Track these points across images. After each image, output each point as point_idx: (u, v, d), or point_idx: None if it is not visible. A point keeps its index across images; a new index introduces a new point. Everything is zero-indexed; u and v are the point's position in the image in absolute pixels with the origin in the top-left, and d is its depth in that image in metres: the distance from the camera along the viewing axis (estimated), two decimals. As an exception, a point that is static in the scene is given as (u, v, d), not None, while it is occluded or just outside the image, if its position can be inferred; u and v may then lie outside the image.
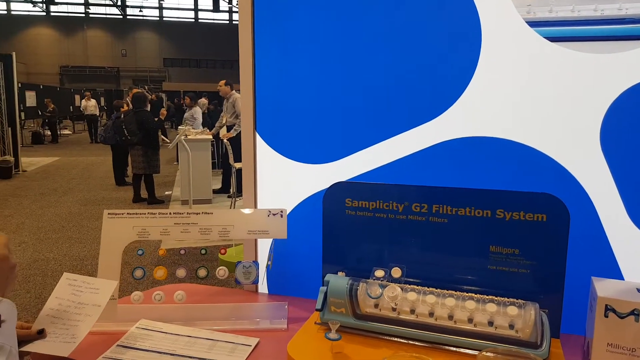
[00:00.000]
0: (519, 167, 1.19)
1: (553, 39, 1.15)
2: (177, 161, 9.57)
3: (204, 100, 12.69)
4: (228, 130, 7.33)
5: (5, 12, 34.60)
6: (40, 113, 16.68)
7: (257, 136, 1.37)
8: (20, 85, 12.18)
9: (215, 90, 8.17)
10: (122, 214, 1.28)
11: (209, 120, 9.99)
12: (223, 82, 7.54)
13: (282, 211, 1.28)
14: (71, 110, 22.27)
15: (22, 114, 13.51)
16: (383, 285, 1.05)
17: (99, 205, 7.27)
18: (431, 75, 1.23)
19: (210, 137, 7.40)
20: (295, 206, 1.36)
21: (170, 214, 1.28)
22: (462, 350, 0.99)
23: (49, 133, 17.39)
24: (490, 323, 0.99)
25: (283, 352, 1.07)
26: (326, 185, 1.31)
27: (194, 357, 1.07)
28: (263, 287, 1.43)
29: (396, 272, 1.08)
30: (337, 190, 1.18)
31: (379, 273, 1.10)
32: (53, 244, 5.35)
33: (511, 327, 0.98)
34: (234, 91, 7.48)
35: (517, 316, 0.98)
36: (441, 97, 1.22)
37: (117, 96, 21.61)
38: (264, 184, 1.39)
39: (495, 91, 1.19)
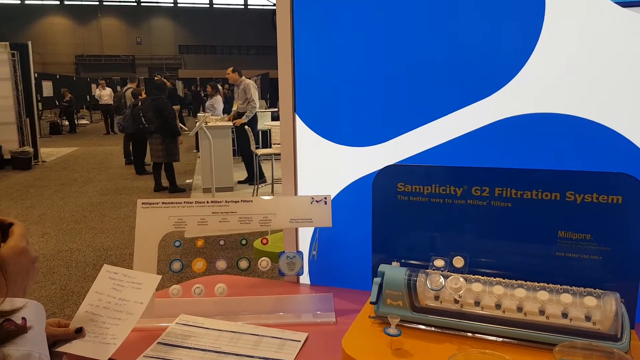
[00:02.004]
0: (586, 145, 1.09)
1: (625, 3, 1.04)
2: (197, 149, 9.57)
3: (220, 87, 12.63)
4: (240, 117, 7.27)
5: (19, 2, 34.74)
6: (57, 103, 16.79)
7: (297, 118, 1.28)
8: (36, 76, 12.23)
9: (233, 77, 8.07)
10: (157, 203, 1.22)
11: (227, 108, 9.96)
12: (230, 69, 7.44)
13: (326, 197, 1.20)
14: (88, 99, 22.41)
15: (40, 104, 13.58)
16: (445, 276, 0.96)
17: (119, 195, 7.29)
18: (487, 47, 1.12)
19: (231, 124, 7.34)
20: (338, 192, 1.28)
21: (207, 202, 1.21)
22: (533, 344, 0.91)
23: (67, 123, 17.49)
24: (565, 315, 0.91)
25: (335, 348, 1.00)
26: (372, 169, 1.23)
27: (240, 355, 1.00)
28: (304, 278, 1.36)
29: (458, 262, 1.00)
30: (388, 174, 1.09)
31: (439, 263, 1.01)
32: (76, 235, 5.37)
33: (587, 318, 0.90)
34: (243, 77, 7.40)
35: (596, 307, 0.89)
36: (500, 70, 1.12)
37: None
38: (304, 169, 1.31)
39: (560, 63, 1.08)
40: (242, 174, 7.79)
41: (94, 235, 5.33)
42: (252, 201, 1.21)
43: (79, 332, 0.97)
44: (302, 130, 1.28)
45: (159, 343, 1.06)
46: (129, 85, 9.23)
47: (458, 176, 1.05)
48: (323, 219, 1.19)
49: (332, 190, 1.27)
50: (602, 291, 0.91)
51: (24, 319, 0.73)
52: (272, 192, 6.49)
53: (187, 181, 8.12)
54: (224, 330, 1.10)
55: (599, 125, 1.08)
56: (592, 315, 0.89)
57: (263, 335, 1.07)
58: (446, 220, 1.06)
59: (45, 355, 0.75)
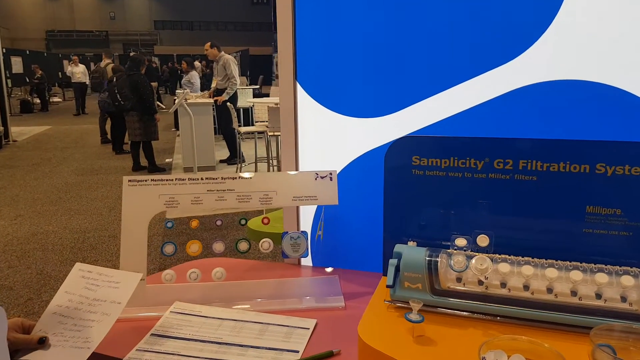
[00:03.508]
0: (613, 114, 1.01)
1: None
2: (176, 127, 9.33)
3: (197, 63, 12.31)
4: (220, 94, 7.07)
5: (-16, -26, 33.16)
6: (28, 80, 16.14)
7: (298, 86, 1.18)
8: (4, 51, 11.70)
9: (211, 52, 7.81)
10: (146, 180, 1.11)
11: (207, 84, 9.69)
12: (208, 44, 7.20)
13: (331, 173, 1.11)
14: (60, 76, 21.65)
15: (9, 82, 13.02)
16: (469, 256, 0.88)
17: (97, 175, 7.07)
18: (507, 7, 1.03)
19: (212, 100, 7.13)
20: (343, 168, 1.19)
21: (202, 179, 1.11)
22: (564, 327, 0.84)
23: (38, 101, 16.83)
24: (598, 295, 0.84)
25: (348, 336, 0.92)
26: (380, 142, 1.14)
27: (244, 346, 0.92)
28: (305, 260, 1.27)
29: (483, 241, 0.92)
30: (402, 147, 1.00)
31: (460, 242, 0.93)
32: (51, 217, 5.17)
33: (623, 299, 0.83)
34: (222, 52, 7.17)
35: (633, 287, 0.82)
36: (520, 35, 1.03)
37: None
38: (305, 142, 1.21)
39: (583, 28, 0.99)
40: (223, 153, 7.63)
41: (71, 217, 5.14)
42: (251, 177, 1.11)
43: (42, 343, 0.86)
44: (304, 99, 1.18)
45: (152, 334, 0.96)
46: (107, 61, 8.88)
47: (479, 148, 0.96)
48: (328, 196, 1.10)
49: (337, 165, 1.18)
50: (639, 269, 0.84)
51: None
52: (256, 172, 6.36)
53: (167, 160, 7.92)
54: (225, 319, 1.00)
55: (624, 93, 1.00)
56: (628, 295, 0.83)
57: (268, 323, 0.98)
58: (466, 196, 0.97)
59: None
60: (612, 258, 0.89)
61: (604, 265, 0.86)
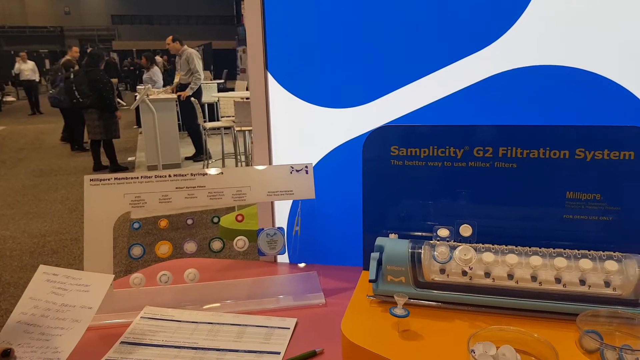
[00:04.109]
0: (592, 100, 1.01)
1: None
2: (137, 125, 9.07)
3: (159, 59, 11.99)
4: (183, 89, 6.91)
5: None
6: (-22, 79, 15.38)
7: (270, 77, 1.13)
8: (-48, 49, 11.09)
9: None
10: (109, 179, 1.04)
11: (169, 80, 9.44)
12: (170, 38, 7.02)
13: (307, 166, 1.07)
14: (12, 75, 20.73)
15: (-42, 81, 12.37)
16: (453, 247, 0.86)
17: (55, 176, 6.80)
18: (483, -10, 1.01)
19: (175, 96, 6.95)
20: (319, 160, 1.15)
21: (170, 176, 1.05)
22: (549, 315, 0.83)
23: (-9, 101, 16.14)
24: (582, 282, 0.83)
25: (331, 333, 0.89)
26: (357, 133, 1.11)
27: (222, 350, 0.87)
28: (282, 257, 1.23)
29: (466, 230, 0.90)
30: (380, 137, 0.97)
31: (443, 232, 0.91)
32: (9, 221, 4.94)
33: (607, 284, 0.82)
34: (185, 46, 7.00)
35: (617, 272, 0.82)
36: (496, 19, 1.01)
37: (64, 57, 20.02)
38: (279, 135, 1.16)
39: (562, 11, 0.98)
40: (189, 150, 7.46)
41: (29, 221, 4.93)
42: (222, 173, 1.06)
43: (7, 355, 0.78)
44: (276, 90, 1.13)
45: (122, 342, 0.90)
46: (67, 57, 8.50)
47: (459, 136, 0.94)
48: (305, 190, 1.06)
49: (313, 158, 1.13)
50: (622, 254, 0.84)
51: None
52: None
53: (130, 159, 7.69)
54: (200, 322, 0.95)
55: (600, 77, 1.00)
56: (612, 280, 0.82)
57: (246, 325, 0.94)
58: (447, 186, 0.95)
59: None
60: (593, 243, 0.89)
61: (587, 251, 0.85)
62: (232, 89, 9.73)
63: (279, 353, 0.85)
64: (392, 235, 0.94)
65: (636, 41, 0.97)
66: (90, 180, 1.03)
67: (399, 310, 0.81)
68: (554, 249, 0.87)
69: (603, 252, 0.85)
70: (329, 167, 1.13)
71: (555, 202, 0.93)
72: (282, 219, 1.20)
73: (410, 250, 0.87)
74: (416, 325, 0.83)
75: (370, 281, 0.88)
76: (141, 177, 1.04)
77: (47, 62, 23.73)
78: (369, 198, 0.99)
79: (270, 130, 1.15)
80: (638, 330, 0.78)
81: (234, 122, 5.66)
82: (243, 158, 6.03)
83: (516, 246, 0.87)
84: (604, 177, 0.90)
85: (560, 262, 0.83)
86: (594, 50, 0.98)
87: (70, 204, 5.45)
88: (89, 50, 7.05)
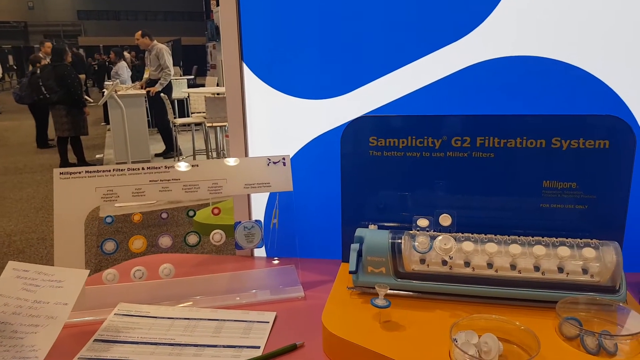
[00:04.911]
0: (567, 89, 1.02)
1: None
2: (105, 121, 8.86)
3: (127, 54, 11.73)
4: (153, 85, 6.78)
5: None
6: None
7: (245, 67, 1.10)
8: None
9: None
10: (80, 172, 1.00)
11: (138, 76, 9.25)
12: (139, 33, 6.87)
13: (284, 158, 1.05)
14: (-26, 72, 19.97)
15: None
16: (433, 237, 0.86)
17: (20, 174, 6.57)
18: (460, -19, 1.01)
19: (144, 92, 6.80)
20: (296, 152, 1.13)
21: (143, 169, 1.01)
22: (529, 303, 0.84)
23: (-50, 98, 15.48)
24: (561, 269, 0.84)
25: (311, 326, 0.88)
26: (334, 124, 1.10)
27: (200, 345, 0.85)
28: (258, 251, 1.21)
29: (445, 220, 0.90)
30: (358, 128, 0.96)
31: (423, 222, 0.91)
32: (-28, 220, 4.76)
33: (585, 271, 0.84)
34: (155, 42, 6.87)
35: (594, 259, 0.83)
36: (471, 10, 1.01)
37: (28, 53, 19.36)
38: (255, 126, 1.14)
39: (536, 2, 0.99)
40: (159, 147, 7.33)
41: (-6, 220, 4.75)
42: (197, 165, 1.03)
43: None
44: (252, 81, 1.11)
45: (96, 340, 0.87)
46: (40, 53, 8.23)
47: (437, 126, 0.94)
48: (282, 182, 1.04)
49: (290, 149, 1.12)
50: (600, 241, 0.85)
51: None
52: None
53: (97, 156, 7.50)
54: (176, 318, 0.93)
55: (575, 68, 1.01)
56: (589, 267, 0.84)
57: (224, 320, 0.92)
58: (425, 176, 0.95)
59: None
60: (570, 232, 0.90)
61: (565, 239, 0.86)
62: (202, 85, 9.59)
63: (258, 347, 0.83)
64: (372, 226, 0.93)
65: (609, 33, 0.98)
66: (60, 173, 0.99)
67: (380, 301, 0.80)
68: (525, 237, 0.88)
69: (580, 239, 0.86)
70: (306, 159, 1.12)
71: (532, 191, 0.93)
72: (259, 212, 1.18)
73: (390, 240, 0.87)
74: (397, 316, 0.82)
75: (350, 272, 0.87)
76: (113, 170, 1.01)
77: (10, 57, 22.94)
78: (347, 189, 0.98)
79: (246, 122, 1.13)
80: (616, 316, 0.79)
81: (205, 117, 5.58)
82: (215, 155, 5.96)
83: (495, 235, 0.88)
84: (579, 165, 0.91)
85: (539, 249, 0.84)
86: (569, 41, 1.00)
87: (36, 203, 5.28)
88: (52, 46, 6.84)
